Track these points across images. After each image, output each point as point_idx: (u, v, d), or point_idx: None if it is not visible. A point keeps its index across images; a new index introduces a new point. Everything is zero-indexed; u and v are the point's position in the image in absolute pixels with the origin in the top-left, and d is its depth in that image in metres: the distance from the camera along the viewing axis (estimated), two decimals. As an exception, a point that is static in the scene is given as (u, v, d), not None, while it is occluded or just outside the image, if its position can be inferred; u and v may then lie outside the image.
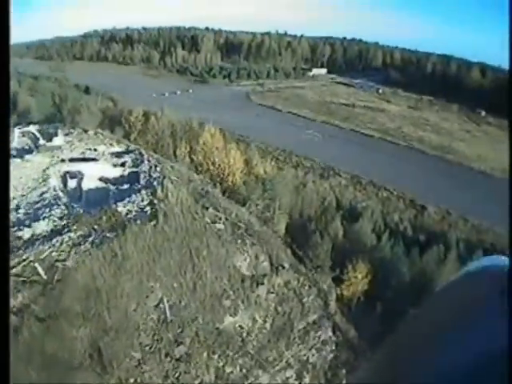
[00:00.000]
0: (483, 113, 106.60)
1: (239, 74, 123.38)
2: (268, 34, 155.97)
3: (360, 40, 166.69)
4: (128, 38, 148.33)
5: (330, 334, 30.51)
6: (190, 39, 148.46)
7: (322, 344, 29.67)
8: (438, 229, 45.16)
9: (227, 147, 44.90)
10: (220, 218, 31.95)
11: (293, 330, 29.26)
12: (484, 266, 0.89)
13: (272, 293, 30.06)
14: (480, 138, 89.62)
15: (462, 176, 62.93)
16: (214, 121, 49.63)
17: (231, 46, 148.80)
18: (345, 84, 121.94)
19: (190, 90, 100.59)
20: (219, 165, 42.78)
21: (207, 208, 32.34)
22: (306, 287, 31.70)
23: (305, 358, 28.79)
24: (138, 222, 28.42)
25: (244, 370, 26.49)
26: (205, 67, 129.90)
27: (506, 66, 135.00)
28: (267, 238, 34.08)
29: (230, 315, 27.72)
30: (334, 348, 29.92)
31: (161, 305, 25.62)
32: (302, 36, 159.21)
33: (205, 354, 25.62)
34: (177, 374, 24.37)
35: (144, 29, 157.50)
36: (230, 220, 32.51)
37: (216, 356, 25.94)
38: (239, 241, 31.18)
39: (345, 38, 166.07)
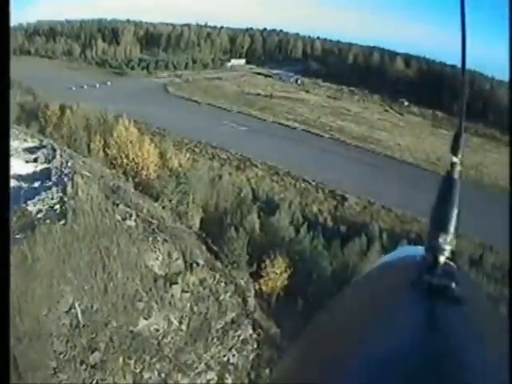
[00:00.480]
0: (406, 102, 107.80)
1: (157, 65, 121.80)
2: (188, 25, 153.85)
3: (281, 30, 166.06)
4: (51, 31, 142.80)
5: (251, 332, 29.36)
6: (110, 31, 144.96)
7: (242, 343, 28.60)
8: (360, 220, 44.69)
9: (141, 140, 43.09)
10: (131, 215, 30.54)
11: (211, 331, 28.07)
12: (399, 256, 0.90)
13: (187, 292, 28.72)
14: (403, 127, 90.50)
15: (383, 166, 62.77)
16: (129, 113, 48.35)
17: (151, 37, 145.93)
18: (263, 75, 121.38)
19: (109, 83, 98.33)
20: (133, 158, 41.14)
21: (118, 204, 30.86)
22: (223, 284, 30.47)
23: (225, 359, 27.69)
24: (48, 221, 27.04)
25: (162, 375, 25.43)
26: (124, 59, 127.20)
27: (430, 56, 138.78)
28: (180, 233, 32.69)
29: (144, 318, 26.50)
30: (255, 347, 28.82)
31: (72, 309, 24.35)
32: (222, 27, 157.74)
33: (120, 360, 24.43)
34: (93, 382, 23.24)
35: (67, 21, 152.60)
36: (142, 216, 31.05)
37: (132, 361, 24.76)
38: (151, 238, 29.86)
39: (265, 29, 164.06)
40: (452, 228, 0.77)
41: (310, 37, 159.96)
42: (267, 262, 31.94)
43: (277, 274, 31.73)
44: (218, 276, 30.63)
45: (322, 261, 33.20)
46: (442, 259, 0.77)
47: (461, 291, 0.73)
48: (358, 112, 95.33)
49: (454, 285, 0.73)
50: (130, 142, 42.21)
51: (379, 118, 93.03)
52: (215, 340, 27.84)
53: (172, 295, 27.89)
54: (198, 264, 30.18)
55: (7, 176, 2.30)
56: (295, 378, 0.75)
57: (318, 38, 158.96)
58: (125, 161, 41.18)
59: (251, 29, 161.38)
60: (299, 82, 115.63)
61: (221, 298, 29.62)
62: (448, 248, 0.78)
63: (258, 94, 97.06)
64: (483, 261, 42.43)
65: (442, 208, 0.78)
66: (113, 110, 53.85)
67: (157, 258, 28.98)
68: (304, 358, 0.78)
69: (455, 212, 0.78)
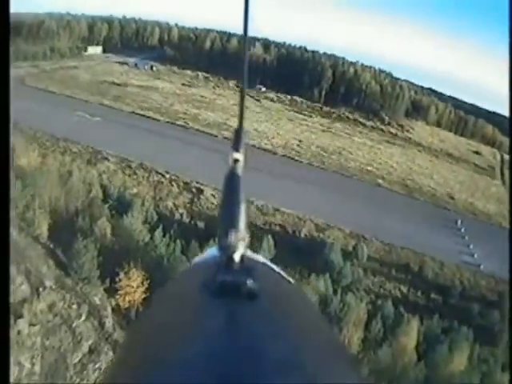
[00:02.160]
0: (263, 88, 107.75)
1: (17, 56, 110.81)
2: (49, 14, 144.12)
3: (139, 18, 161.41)
4: None
5: (112, 357, 25.49)
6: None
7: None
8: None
9: None
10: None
11: (68, 368, 24.72)
12: (208, 257, 0.91)
13: (35, 325, 25.02)
14: (260, 113, 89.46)
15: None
16: None
17: (13, 28, 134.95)
18: (119, 63, 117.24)
19: None
20: None
21: None
22: (75, 306, 27.21)
23: (88, 397, 24.42)
24: None
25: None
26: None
27: (289, 41, 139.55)
28: (25, 250, 29.09)
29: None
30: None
31: None
32: (82, 15, 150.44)
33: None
34: None
35: None
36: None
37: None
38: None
39: (124, 17, 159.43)
40: (242, 224, 0.77)
41: (167, 24, 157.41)
42: (121, 274, 29.30)
43: (133, 287, 29.22)
44: (69, 297, 27.51)
45: (180, 267, 29.89)
46: (236, 256, 0.77)
47: (258, 286, 0.73)
48: (213, 99, 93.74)
49: (249, 281, 0.73)
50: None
51: (234, 104, 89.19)
52: (74, 377, 24.64)
53: (19, 332, 24.17)
54: (45, 287, 26.92)
55: (7, 176, 2.42)
56: (113, 378, 0.73)
57: (176, 24, 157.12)
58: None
59: (110, 16, 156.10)
60: (154, 69, 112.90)
61: (74, 324, 26.46)
62: (241, 244, 0.77)
63: (113, 83, 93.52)
64: (357, 252, 42.52)
65: (229, 205, 0.78)
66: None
67: (-4, 288, 25.13)
68: (118, 360, 0.77)
69: (242, 208, 0.78)
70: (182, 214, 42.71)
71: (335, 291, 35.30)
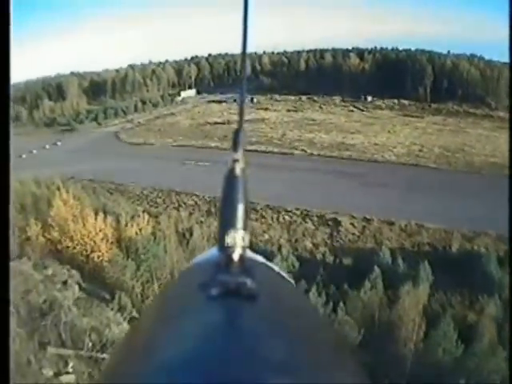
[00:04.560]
0: (369, 98, 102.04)
1: (106, 114, 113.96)
2: (131, 66, 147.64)
3: (226, 53, 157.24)
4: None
5: None
6: (55, 88, 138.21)
7: None
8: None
9: (85, 213, 33.53)
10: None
11: None
12: (208, 257, 0.92)
13: None
14: (374, 124, 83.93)
15: (367, 173, 55.15)
16: (78, 175, 44.16)
17: (96, 86, 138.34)
18: (216, 101, 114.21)
19: (59, 143, 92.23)
20: (80, 239, 31.50)
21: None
22: None
23: None
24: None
25: None
26: (72, 114, 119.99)
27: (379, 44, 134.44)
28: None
29: None
30: None
31: None
32: (166, 61, 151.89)
33: None
34: None
35: (12, 85, 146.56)
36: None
37: None
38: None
39: (210, 55, 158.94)
40: (241, 224, 0.79)
41: (255, 53, 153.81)
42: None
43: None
44: None
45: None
46: (235, 257, 0.78)
47: (257, 286, 0.74)
48: (323, 119, 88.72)
49: (249, 281, 0.73)
50: (73, 218, 32.53)
51: (346, 121, 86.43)
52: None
53: None
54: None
55: (7, 177, 2.45)
56: (109, 378, 0.73)
57: (264, 52, 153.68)
58: (69, 244, 31.55)
59: (196, 57, 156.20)
60: (255, 100, 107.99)
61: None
62: (240, 245, 0.79)
63: (215, 123, 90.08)
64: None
65: (228, 206, 0.79)
66: (58, 175, 47.17)
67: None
68: (117, 360, 0.76)
69: (242, 208, 0.80)
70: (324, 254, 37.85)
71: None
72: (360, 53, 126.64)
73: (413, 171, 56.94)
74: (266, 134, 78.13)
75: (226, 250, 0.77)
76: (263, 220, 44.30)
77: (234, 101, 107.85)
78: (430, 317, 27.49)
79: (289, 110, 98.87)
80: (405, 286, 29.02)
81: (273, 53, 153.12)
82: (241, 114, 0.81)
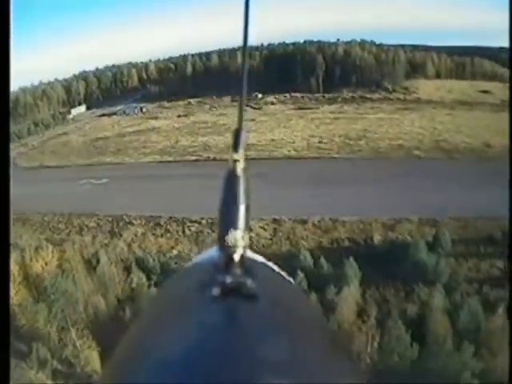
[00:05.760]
0: (260, 95, 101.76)
1: None
2: (22, 89, 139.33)
3: (113, 65, 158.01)
4: None
5: None
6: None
7: None
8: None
9: None
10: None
11: None
12: (207, 256, 0.93)
13: None
14: (268, 121, 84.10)
15: (272, 170, 54.26)
16: None
17: None
18: (107, 115, 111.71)
19: None
20: None
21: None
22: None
23: None
24: None
25: None
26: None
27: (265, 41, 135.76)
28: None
29: None
30: None
31: None
32: (55, 80, 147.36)
33: None
34: None
35: None
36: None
37: None
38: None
39: (97, 69, 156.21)
40: (242, 224, 0.79)
41: (142, 62, 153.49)
42: None
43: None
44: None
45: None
46: (236, 257, 0.78)
47: (257, 286, 0.75)
48: (215, 121, 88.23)
49: (249, 281, 0.74)
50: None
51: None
52: None
53: None
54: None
55: (7, 176, 2.52)
56: (109, 378, 0.74)
57: (150, 60, 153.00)
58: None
59: (84, 72, 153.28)
60: (144, 110, 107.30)
61: None
62: (241, 244, 0.79)
63: (107, 138, 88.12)
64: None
65: (229, 205, 0.79)
66: None
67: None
68: (116, 359, 0.77)
69: (243, 208, 0.80)
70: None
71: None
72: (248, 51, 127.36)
73: (316, 164, 56.57)
74: (159, 143, 77.27)
75: (226, 250, 0.78)
76: (169, 235, 43.32)
77: (124, 112, 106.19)
78: (369, 317, 27.11)
79: (179, 116, 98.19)
80: (333, 288, 28.37)
81: (159, 60, 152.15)
82: (240, 114, 0.82)
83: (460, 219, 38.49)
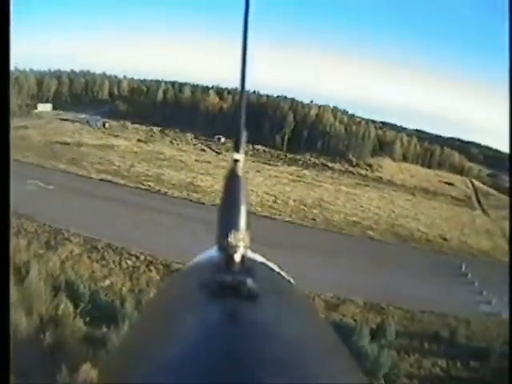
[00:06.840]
0: (223, 139, 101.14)
1: None
2: None
3: (88, 71, 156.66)
4: None
5: None
6: None
7: None
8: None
9: None
10: None
11: None
12: (208, 256, 0.92)
13: None
14: (224, 167, 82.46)
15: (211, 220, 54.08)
16: None
17: None
18: (70, 120, 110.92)
19: None
20: None
21: None
22: None
23: None
24: None
25: None
26: None
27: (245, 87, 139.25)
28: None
29: None
30: None
31: None
32: (30, 70, 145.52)
33: None
34: None
35: None
36: None
37: None
38: None
39: (72, 71, 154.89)
40: (242, 224, 0.80)
41: (116, 76, 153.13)
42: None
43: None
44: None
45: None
46: (236, 256, 0.79)
47: (258, 286, 0.74)
48: (173, 155, 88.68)
49: (250, 281, 0.74)
50: None
51: (197, 160, 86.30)
52: None
53: None
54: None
55: (7, 176, 2.42)
56: (109, 378, 0.74)
57: (125, 76, 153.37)
58: None
59: (59, 70, 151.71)
60: (107, 125, 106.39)
61: None
62: (241, 245, 0.80)
63: (66, 144, 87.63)
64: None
65: (229, 205, 0.80)
66: None
67: None
68: (116, 359, 0.77)
69: (243, 208, 0.81)
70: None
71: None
72: (220, 91, 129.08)
73: (264, 224, 53.26)
74: (114, 163, 77.07)
75: (226, 250, 0.79)
76: (104, 262, 41.31)
77: (87, 122, 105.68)
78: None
79: (139, 141, 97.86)
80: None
81: (133, 79, 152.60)
82: (242, 114, 0.85)
83: (406, 310, 38.49)
